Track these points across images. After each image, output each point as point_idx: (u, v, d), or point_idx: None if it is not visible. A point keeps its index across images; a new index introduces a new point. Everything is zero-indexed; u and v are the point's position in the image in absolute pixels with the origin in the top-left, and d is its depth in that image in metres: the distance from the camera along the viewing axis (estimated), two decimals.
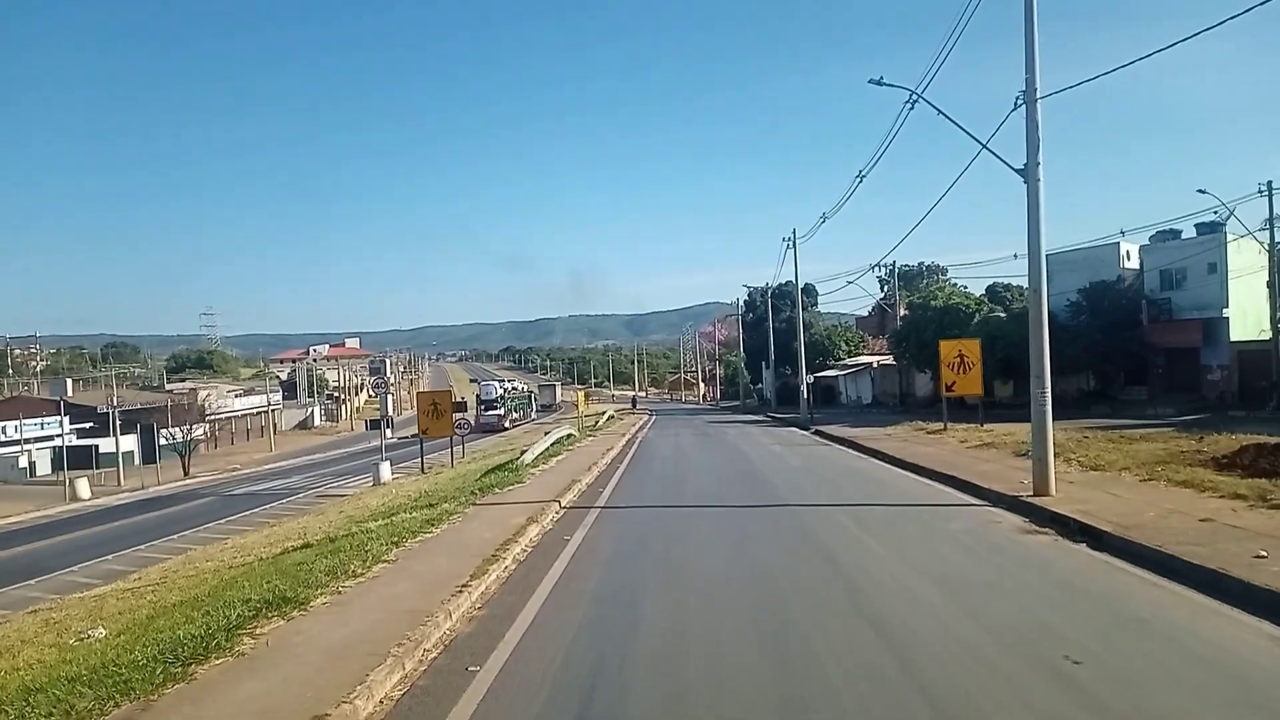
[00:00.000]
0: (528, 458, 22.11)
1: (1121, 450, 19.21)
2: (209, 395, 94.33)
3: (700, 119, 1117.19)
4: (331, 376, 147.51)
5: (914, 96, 15.92)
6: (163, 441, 45.54)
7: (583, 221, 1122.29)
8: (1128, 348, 35.29)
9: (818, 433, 33.55)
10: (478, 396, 69.78)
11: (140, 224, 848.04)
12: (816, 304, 73.77)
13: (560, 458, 24.29)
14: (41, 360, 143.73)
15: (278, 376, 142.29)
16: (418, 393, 33.76)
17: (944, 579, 8.87)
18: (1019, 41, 13.35)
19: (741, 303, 75.46)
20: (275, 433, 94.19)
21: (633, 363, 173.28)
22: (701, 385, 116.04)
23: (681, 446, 29.39)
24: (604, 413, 50.70)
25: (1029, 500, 13.59)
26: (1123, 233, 37.00)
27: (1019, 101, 13.66)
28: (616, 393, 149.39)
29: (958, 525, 12.23)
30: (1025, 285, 50.03)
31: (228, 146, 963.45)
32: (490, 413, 66.42)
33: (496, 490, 16.52)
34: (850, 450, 25.45)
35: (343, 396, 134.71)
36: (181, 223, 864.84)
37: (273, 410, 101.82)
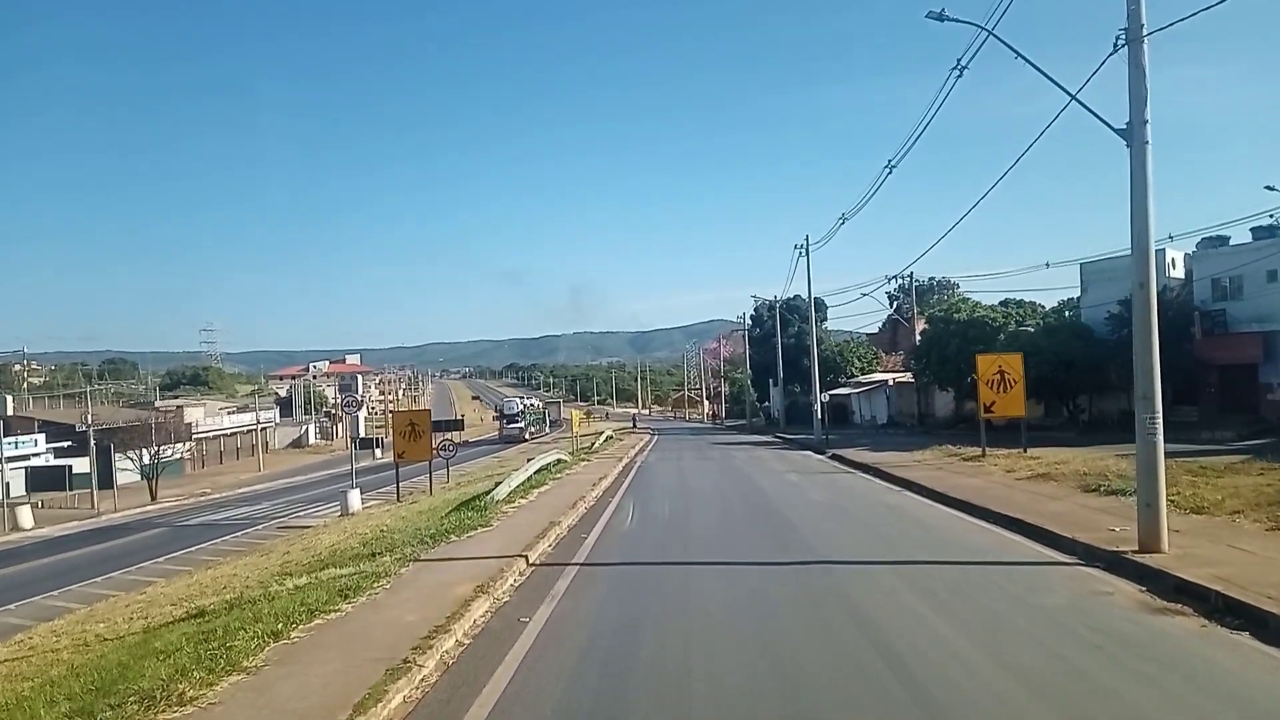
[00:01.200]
0: (501, 491, 18.76)
1: (1215, 486, 15.98)
2: (197, 413, 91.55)
3: (703, 133, 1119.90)
4: (331, 394, 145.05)
5: (986, 34, 12.79)
6: (124, 465, 42.38)
7: (586, 239, 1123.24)
8: (1177, 364, 32.00)
9: (836, 457, 30.33)
10: (501, 411, 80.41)
11: (145, 240, 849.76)
12: (826, 319, 70.71)
13: (544, 489, 21.09)
14: (38, 377, 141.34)
15: (276, 394, 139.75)
16: (393, 412, 30.35)
17: (1074, 704, 5.71)
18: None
19: (747, 317, 72.41)
20: (266, 452, 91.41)
21: (636, 380, 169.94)
22: (705, 403, 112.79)
23: (684, 474, 26.24)
24: (601, 433, 47.42)
25: (1135, 558, 10.39)
26: (1171, 238, 33.79)
27: (1119, 42, 10.57)
28: (619, 410, 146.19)
29: (1055, 599, 9.02)
30: (1041, 302, 46.80)
31: (232, 162, 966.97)
32: (512, 425, 74.62)
33: (454, 537, 13.32)
34: (879, 480, 22.23)
35: (339, 414, 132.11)
36: (187, 239, 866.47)
37: (265, 428, 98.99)
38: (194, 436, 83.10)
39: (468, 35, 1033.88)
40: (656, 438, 56.52)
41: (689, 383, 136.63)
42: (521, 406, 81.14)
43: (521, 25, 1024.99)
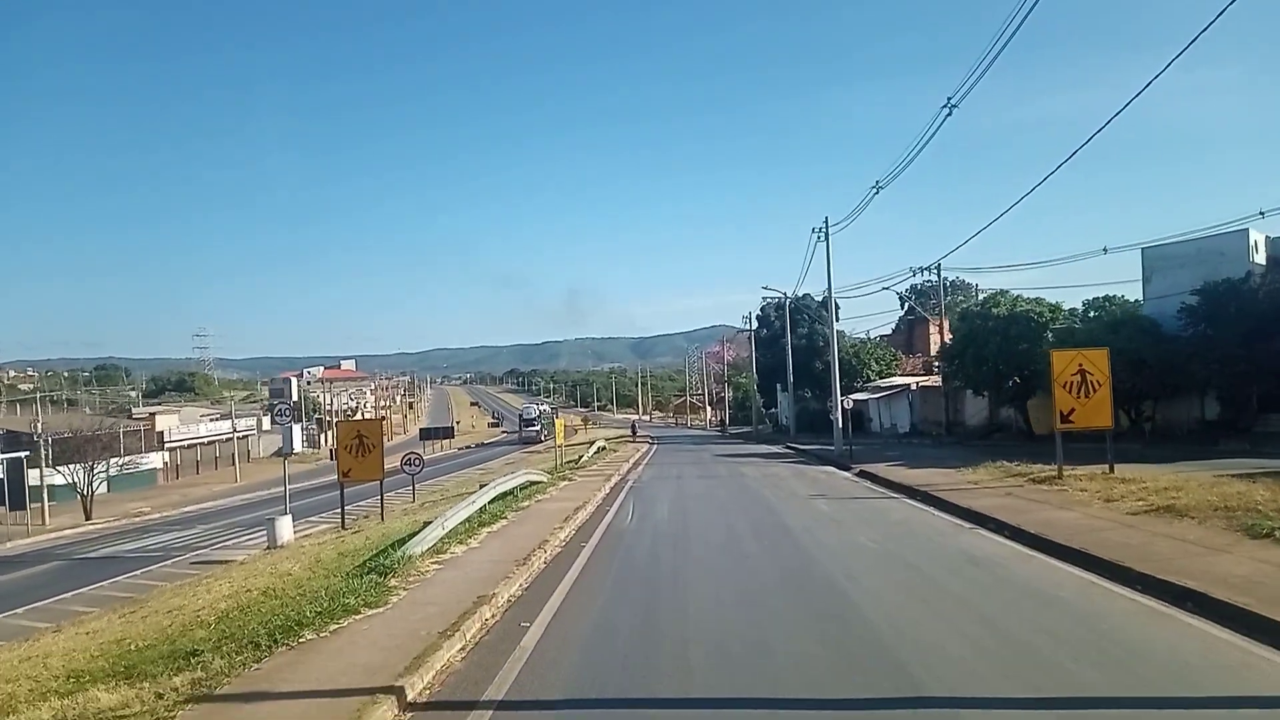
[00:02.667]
0: (428, 538, 13.52)
1: None
2: (170, 420, 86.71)
3: (707, 137, 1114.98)
4: (326, 399, 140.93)
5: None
6: (58, 480, 37.48)
7: (587, 245, 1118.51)
8: (1267, 364, 27.02)
9: (866, 475, 25.35)
10: (521, 416, 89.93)
11: (150, 245, 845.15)
12: (838, 320, 65.71)
13: (496, 528, 16.08)
14: (28, 383, 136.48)
15: (264, 400, 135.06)
16: (339, 423, 25.45)
17: None
18: None
19: (753, 318, 67.38)
20: (248, 460, 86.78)
21: (637, 385, 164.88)
22: (708, 409, 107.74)
23: (685, 500, 21.29)
24: (593, 443, 42.28)
25: None
26: (1262, 214, 28.61)
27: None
28: (619, 416, 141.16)
29: None
30: (1069, 305, 41.05)
31: (231, 165, 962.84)
32: (530, 429, 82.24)
33: (308, 635, 8.29)
34: (938, 512, 17.20)
35: (330, 421, 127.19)
36: (192, 244, 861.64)
37: (246, 436, 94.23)
38: (166, 446, 78.35)
39: (471, 37, 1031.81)
40: (655, 448, 51.58)
41: (691, 388, 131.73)
42: (538, 411, 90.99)
43: (526, 28, 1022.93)
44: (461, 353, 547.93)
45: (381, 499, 24.97)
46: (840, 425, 33.74)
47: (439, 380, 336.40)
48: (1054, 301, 35.45)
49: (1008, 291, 36.98)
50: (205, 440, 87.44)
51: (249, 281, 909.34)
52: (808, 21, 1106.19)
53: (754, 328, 66.65)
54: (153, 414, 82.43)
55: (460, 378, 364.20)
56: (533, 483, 23.97)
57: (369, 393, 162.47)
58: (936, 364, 45.97)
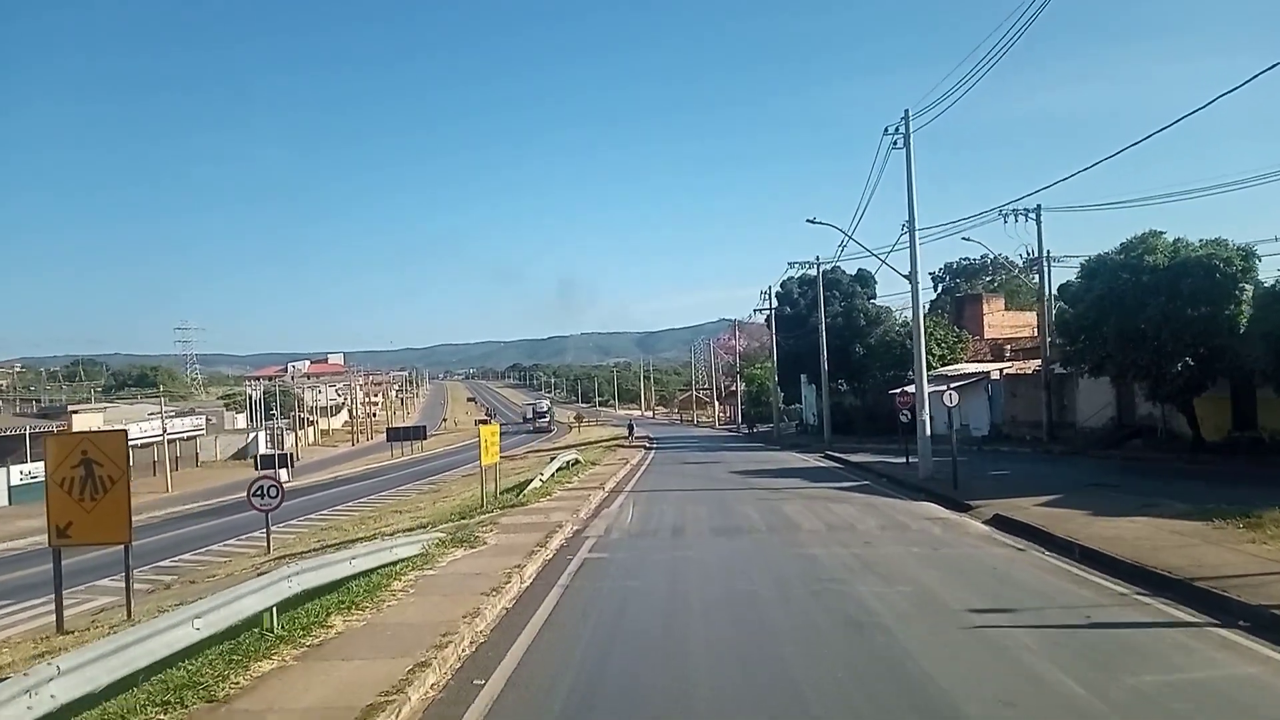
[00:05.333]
0: None
1: None
2: (94, 420, 75.66)
3: (712, 134, 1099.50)
4: (311, 396, 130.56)
5: None
6: None
7: (593, 240, 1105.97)
8: None
9: (1010, 526, 13.81)
10: (533, 408, 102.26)
11: (153, 241, 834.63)
12: (875, 297, 53.83)
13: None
14: (4, 379, 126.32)
15: (227, 398, 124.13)
16: (51, 438, 13.54)
17: None
18: None
19: (773, 295, 55.30)
20: (198, 465, 76.64)
21: (640, 379, 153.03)
22: (716, 405, 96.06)
23: (689, 596, 9.85)
24: (567, 460, 30.22)
25: None
26: None
27: None
28: (621, 412, 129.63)
29: None
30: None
31: (223, 159, 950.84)
32: (541, 419, 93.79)
33: None
34: None
35: (312, 419, 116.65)
36: (189, 240, 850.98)
37: (195, 438, 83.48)
38: None
39: (474, 33, 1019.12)
40: (653, 454, 40.14)
41: (697, 381, 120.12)
42: (547, 406, 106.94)
43: (528, 24, 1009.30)
44: (467, 348, 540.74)
45: (128, 580, 13.40)
46: (929, 433, 21.89)
47: (441, 375, 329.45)
48: (1241, 245, 23.65)
49: (1160, 233, 25.16)
50: (139, 444, 75.94)
51: (252, 278, 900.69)
52: (814, 17, 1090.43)
53: (774, 306, 54.57)
54: (73, 413, 71.11)
55: (463, 373, 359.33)
56: (422, 556, 12.37)
57: (358, 388, 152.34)
58: (1030, 343, 34.14)
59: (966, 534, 14.17)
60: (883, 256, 27.16)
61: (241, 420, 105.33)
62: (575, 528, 15.94)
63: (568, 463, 28.30)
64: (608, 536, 15.08)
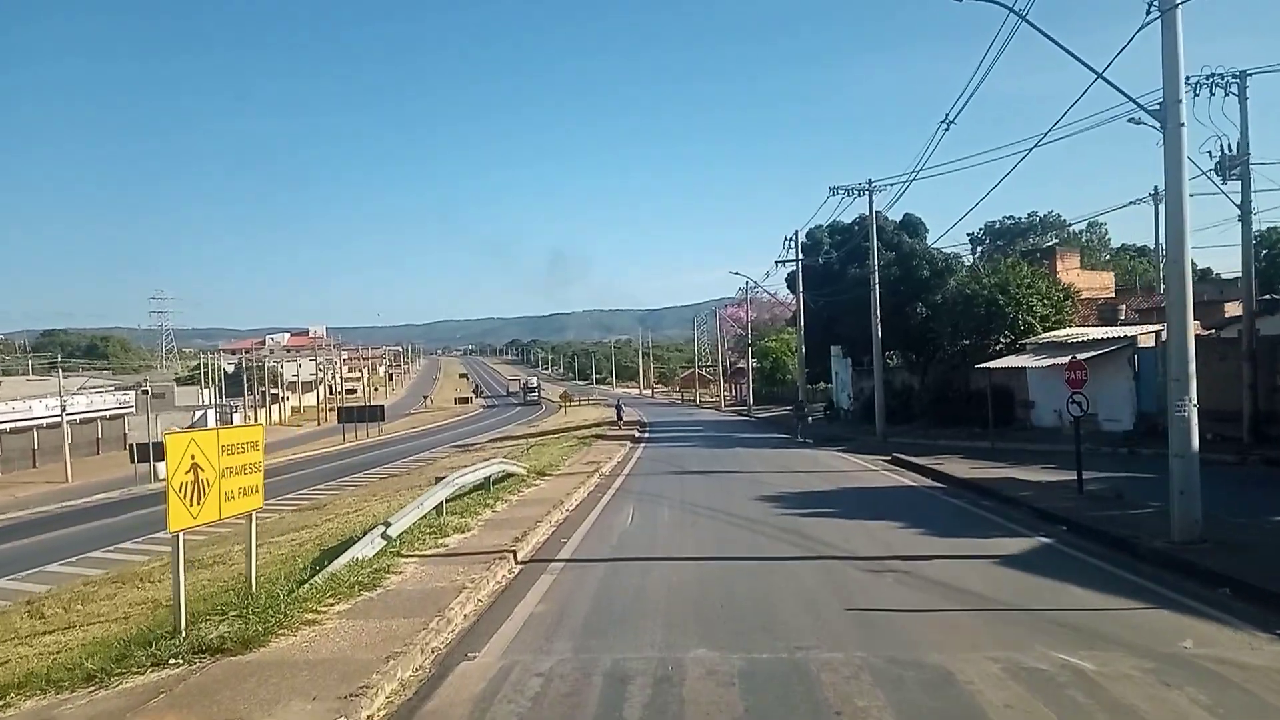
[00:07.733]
0: None
1: None
2: None
3: (719, 108, 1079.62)
4: (291, 370, 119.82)
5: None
6: None
7: (597, 215, 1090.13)
8: None
9: None
10: (525, 384, 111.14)
11: (154, 217, 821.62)
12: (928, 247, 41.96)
13: None
14: None
15: (188, 374, 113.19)
16: None
17: None
18: None
19: (797, 244, 43.14)
20: (124, 447, 65.55)
21: (640, 355, 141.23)
22: (722, 383, 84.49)
23: None
24: (485, 476, 17.23)
25: None
26: None
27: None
28: (619, 390, 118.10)
29: None
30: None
31: (218, 132, 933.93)
32: (531, 394, 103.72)
33: None
34: None
35: (286, 395, 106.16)
36: (188, 219, 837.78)
37: (121, 415, 71.97)
38: None
39: (475, 26, 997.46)
40: (644, 449, 28.95)
41: (700, 357, 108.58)
42: (538, 383, 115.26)
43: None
44: (469, 324, 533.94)
45: None
46: (1194, 442, 10.44)
47: (438, 351, 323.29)
48: None
49: None
50: (44, 423, 64.39)
51: (246, 254, 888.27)
52: None
53: (797, 258, 42.56)
54: None
55: (461, 349, 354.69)
56: None
57: (338, 362, 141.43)
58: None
59: None
60: None
61: (208, 396, 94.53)
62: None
63: (487, 479, 16.35)
64: None
